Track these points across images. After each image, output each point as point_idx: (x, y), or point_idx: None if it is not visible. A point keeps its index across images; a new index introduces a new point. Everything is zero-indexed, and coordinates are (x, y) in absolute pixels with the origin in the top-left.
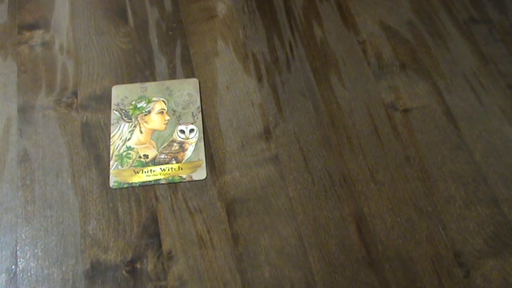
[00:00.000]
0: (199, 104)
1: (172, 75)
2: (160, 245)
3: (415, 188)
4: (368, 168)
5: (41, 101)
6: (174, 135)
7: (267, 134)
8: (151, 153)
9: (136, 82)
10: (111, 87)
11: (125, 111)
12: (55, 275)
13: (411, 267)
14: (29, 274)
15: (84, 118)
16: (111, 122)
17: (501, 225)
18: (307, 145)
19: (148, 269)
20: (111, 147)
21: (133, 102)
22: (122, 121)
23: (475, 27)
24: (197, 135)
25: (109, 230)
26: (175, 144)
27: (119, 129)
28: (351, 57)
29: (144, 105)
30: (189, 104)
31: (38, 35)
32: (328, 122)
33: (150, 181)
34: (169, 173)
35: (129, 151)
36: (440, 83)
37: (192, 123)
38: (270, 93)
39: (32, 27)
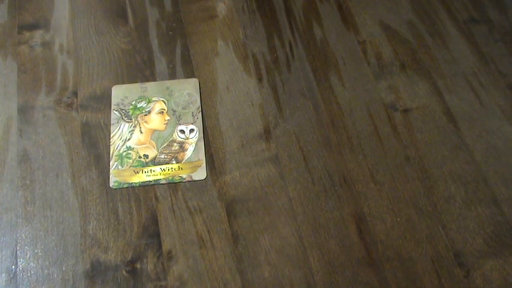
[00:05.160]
0: (199, 104)
1: (172, 75)
2: (160, 245)
3: (415, 188)
4: (368, 168)
5: (41, 101)
6: (174, 135)
7: (267, 134)
8: (151, 153)
9: (136, 82)
10: (111, 87)
11: (125, 111)
12: (55, 275)
13: (411, 267)
14: (29, 274)
15: (84, 118)
16: (111, 122)
17: (501, 225)
18: (307, 145)
19: (148, 269)
20: (111, 147)
21: (133, 102)
22: (122, 121)
23: (475, 27)
24: (197, 135)
25: (109, 230)
26: (175, 144)
27: (119, 129)
28: (351, 57)
29: (144, 105)
30: (189, 104)
31: (38, 35)
32: (328, 122)
33: (150, 181)
34: (169, 173)
35: (129, 151)
36: (440, 83)
37: (192, 123)
38: (270, 93)
39: (32, 27)
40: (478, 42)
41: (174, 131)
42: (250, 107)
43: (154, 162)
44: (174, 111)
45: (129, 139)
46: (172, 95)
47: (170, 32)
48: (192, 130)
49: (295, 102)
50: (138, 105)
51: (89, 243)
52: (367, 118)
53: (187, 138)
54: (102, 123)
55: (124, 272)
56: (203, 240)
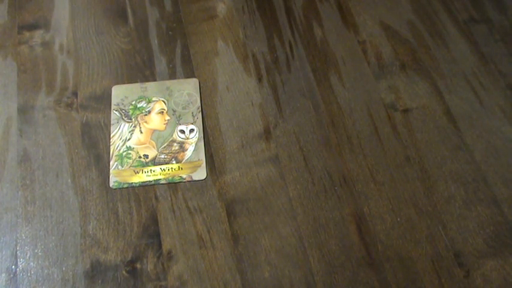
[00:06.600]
0: (199, 104)
1: (172, 75)
2: (160, 245)
3: (415, 188)
4: (368, 168)
5: (41, 101)
6: (174, 135)
7: (267, 134)
8: (151, 153)
9: (136, 82)
10: (111, 87)
11: (125, 111)
12: (55, 275)
13: (411, 267)
14: (29, 274)
15: (84, 118)
16: (111, 122)
17: (501, 225)
18: (307, 145)
19: (148, 269)
20: (111, 147)
21: (134, 102)
22: (122, 121)
23: (475, 27)
24: (197, 135)
25: (109, 230)
26: (175, 144)
27: (119, 129)
28: (351, 57)
29: (144, 105)
30: (189, 104)
31: (38, 35)
32: (328, 122)
33: (150, 181)
34: (169, 173)
35: (129, 151)
36: (440, 83)
37: (192, 123)
38: (270, 93)
39: (32, 27)
40: (478, 42)
41: (174, 131)
42: (250, 107)
43: (154, 162)
44: (174, 111)
45: (129, 139)
46: (172, 95)
47: (170, 32)
48: (192, 130)
49: (295, 102)
50: (138, 105)
51: (89, 243)
52: (367, 118)
53: (187, 138)
54: (102, 123)
55: (124, 272)
56: (203, 240)
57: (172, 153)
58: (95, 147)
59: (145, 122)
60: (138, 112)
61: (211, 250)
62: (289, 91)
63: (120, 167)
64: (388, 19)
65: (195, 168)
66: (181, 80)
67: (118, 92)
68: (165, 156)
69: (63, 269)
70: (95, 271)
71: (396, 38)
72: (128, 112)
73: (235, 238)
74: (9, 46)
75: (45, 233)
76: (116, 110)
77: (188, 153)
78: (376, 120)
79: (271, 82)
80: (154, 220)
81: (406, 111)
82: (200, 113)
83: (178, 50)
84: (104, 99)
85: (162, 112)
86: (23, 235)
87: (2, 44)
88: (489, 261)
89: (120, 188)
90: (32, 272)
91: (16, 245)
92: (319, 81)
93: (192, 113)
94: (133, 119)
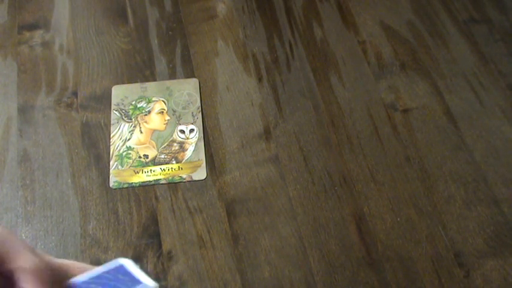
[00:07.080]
0: (199, 104)
1: (172, 75)
2: (160, 245)
3: (415, 188)
4: (368, 168)
5: (41, 101)
6: (174, 135)
7: (267, 134)
8: (151, 153)
9: (136, 82)
10: (111, 87)
11: (125, 111)
12: None
13: (411, 267)
14: None
15: (84, 118)
16: (111, 122)
17: (501, 225)
18: (307, 145)
19: (148, 269)
20: (111, 147)
21: (134, 102)
22: (122, 121)
23: (475, 27)
24: (197, 135)
25: (109, 230)
26: (175, 144)
27: (119, 129)
28: (351, 57)
29: (144, 105)
30: (189, 104)
31: (38, 35)
32: (328, 122)
33: (150, 181)
34: (169, 173)
35: (129, 151)
36: (440, 83)
37: (192, 123)
38: (270, 93)
39: (32, 27)
40: (478, 42)
41: (174, 131)
42: (250, 107)
43: (154, 162)
44: (174, 111)
45: (129, 139)
46: (172, 95)
47: (170, 32)
48: (192, 130)
49: (295, 102)
50: (138, 105)
51: (89, 243)
52: (367, 118)
53: (187, 138)
54: (102, 123)
55: None
56: (203, 240)
57: (172, 153)
58: (95, 147)
59: (145, 122)
60: (138, 112)
61: (211, 250)
62: (289, 91)
63: (120, 167)
64: (388, 19)
65: (195, 168)
66: (181, 80)
67: (118, 92)
68: (165, 156)
69: None
70: None
71: (396, 38)
72: (128, 112)
73: (235, 238)
74: (9, 46)
75: (45, 233)
76: (116, 110)
77: (188, 153)
78: (376, 120)
79: (271, 82)
80: (154, 220)
81: (406, 111)
82: (200, 113)
83: (178, 50)
84: (104, 99)
85: (162, 112)
86: (23, 235)
87: (2, 44)
88: (489, 261)
89: (120, 188)
90: None
91: None
92: (319, 81)
93: (192, 113)
94: (133, 119)
